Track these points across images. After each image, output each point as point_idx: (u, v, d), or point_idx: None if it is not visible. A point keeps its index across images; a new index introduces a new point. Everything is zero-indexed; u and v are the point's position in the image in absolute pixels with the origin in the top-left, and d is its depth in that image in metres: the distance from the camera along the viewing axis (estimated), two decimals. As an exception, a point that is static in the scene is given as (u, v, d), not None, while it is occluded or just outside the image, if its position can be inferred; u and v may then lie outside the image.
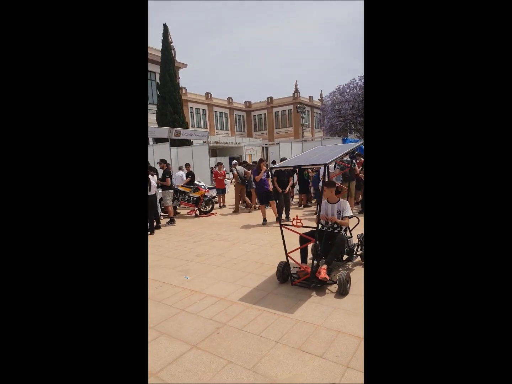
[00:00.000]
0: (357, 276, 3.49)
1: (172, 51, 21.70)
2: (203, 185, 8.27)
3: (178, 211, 8.59)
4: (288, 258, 3.38)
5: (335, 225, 3.68)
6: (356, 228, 4.28)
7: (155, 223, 6.56)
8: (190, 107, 30.73)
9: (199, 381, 1.94)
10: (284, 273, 3.38)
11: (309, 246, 3.56)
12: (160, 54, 15.75)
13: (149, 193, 6.21)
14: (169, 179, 6.91)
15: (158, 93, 15.16)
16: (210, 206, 8.28)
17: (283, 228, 3.30)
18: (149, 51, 19.50)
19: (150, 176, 6.36)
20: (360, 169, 7.00)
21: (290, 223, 3.35)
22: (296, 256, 3.46)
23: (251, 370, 2.02)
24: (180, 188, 8.05)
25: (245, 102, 37.99)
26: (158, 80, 16.45)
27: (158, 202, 7.09)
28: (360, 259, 3.90)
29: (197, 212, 7.98)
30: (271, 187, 6.43)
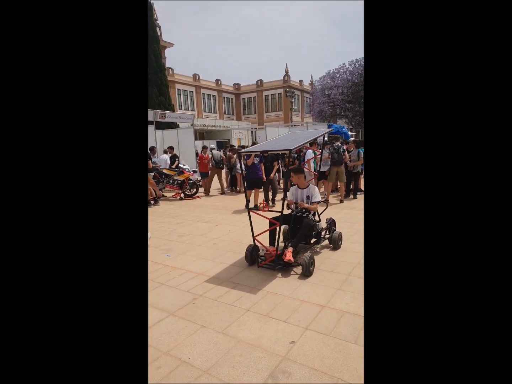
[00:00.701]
0: (324, 256, 3.78)
1: (158, 29, 21.18)
2: (188, 168, 8.38)
3: (164, 194, 8.72)
4: (255, 241, 3.56)
5: (304, 210, 3.83)
6: (325, 212, 4.50)
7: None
8: (178, 89, 30.17)
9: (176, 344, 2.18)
10: (252, 255, 3.53)
11: (282, 230, 3.81)
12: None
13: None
14: (149, 161, 7.02)
15: (144, 74, 14.87)
16: (195, 189, 8.44)
17: (251, 213, 3.49)
18: (134, 29, 18.95)
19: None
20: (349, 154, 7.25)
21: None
22: (266, 239, 3.70)
23: (221, 332, 2.28)
24: (164, 171, 8.16)
25: (234, 85, 37.46)
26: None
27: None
28: (328, 242, 4.10)
29: (182, 195, 8.15)
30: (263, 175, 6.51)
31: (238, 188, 8.90)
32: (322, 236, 4.05)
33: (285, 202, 3.47)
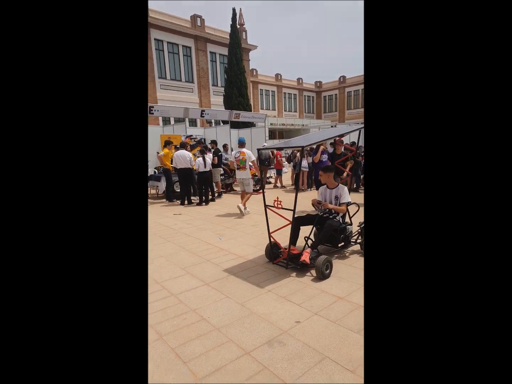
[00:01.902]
0: (350, 262, 3.57)
1: (244, 33, 22.47)
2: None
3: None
4: (271, 238, 3.51)
5: (332, 211, 3.64)
6: (357, 216, 4.16)
7: (210, 196, 7.54)
8: (260, 89, 31.42)
9: (198, 308, 2.65)
10: (273, 252, 3.51)
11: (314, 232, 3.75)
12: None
13: (205, 170, 7.15)
14: (216, 158, 7.76)
15: (226, 76, 16.13)
16: (259, 186, 8.95)
17: (275, 210, 3.39)
18: (220, 34, 20.47)
19: (205, 155, 7.29)
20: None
21: None
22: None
23: (240, 304, 2.66)
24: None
25: (315, 83, 37.17)
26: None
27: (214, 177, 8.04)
28: (360, 247, 3.85)
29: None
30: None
31: (302, 187, 9.10)
32: (353, 240, 3.86)
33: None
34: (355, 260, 3.67)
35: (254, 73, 30.30)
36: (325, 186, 3.79)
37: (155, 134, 9.41)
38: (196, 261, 3.70)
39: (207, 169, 7.18)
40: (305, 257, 3.22)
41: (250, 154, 6.25)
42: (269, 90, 32.32)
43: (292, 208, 3.21)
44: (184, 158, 7.13)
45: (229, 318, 2.44)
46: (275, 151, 9.24)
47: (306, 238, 3.53)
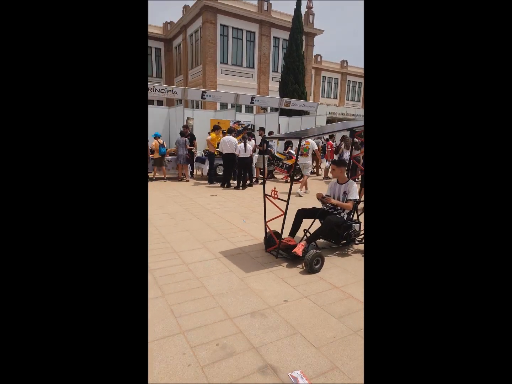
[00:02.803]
0: (358, 257, 3.56)
1: (311, 16, 21.85)
2: (295, 154, 9.00)
3: (274, 176, 9.68)
4: (267, 227, 3.57)
5: (337, 207, 3.58)
6: None
7: (248, 181, 7.88)
8: (323, 76, 30.49)
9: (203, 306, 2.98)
10: (269, 240, 3.57)
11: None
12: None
13: (245, 155, 7.47)
14: (265, 144, 7.97)
15: (284, 62, 16.05)
16: (300, 174, 9.01)
17: (274, 200, 3.42)
18: (286, 18, 20.13)
19: (247, 141, 7.58)
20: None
21: None
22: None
23: (240, 278, 2.93)
24: (276, 155, 9.05)
25: (384, 71, 34.70)
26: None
27: (253, 164, 8.33)
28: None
29: (288, 179, 8.87)
30: None
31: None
32: (359, 239, 3.77)
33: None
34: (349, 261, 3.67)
35: (318, 59, 29.43)
36: (336, 180, 3.76)
37: (206, 118, 9.96)
38: (215, 238, 4.05)
39: (247, 155, 7.48)
40: (298, 249, 3.24)
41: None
42: (332, 78, 31.21)
43: (287, 199, 3.27)
44: (230, 143, 7.52)
45: (225, 289, 2.73)
46: (324, 142, 9.21)
47: (305, 231, 3.54)
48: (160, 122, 9.73)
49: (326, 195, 3.75)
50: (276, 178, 9.65)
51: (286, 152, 9.24)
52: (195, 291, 2.69)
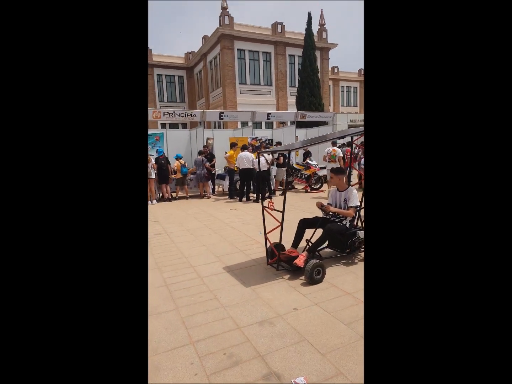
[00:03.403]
0: (352, 270, 3.36)
1: (324, 33, 22.23)
2: (314, 164, 9.00)
3: (295, 186, 9.70)
4: (266, 238, 3.52)
5: (340, 215, 3.52)
6: None
7: (267, 194, 7.97)
8: (341, 86, 30.47)
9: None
10: (273, 253, 3.51)
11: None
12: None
13: (262, 169, 7.60)
14: (281, 158, 8.08)
15: (299, 78, 16.32)
16: (320, 184, 8.97)
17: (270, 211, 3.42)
18: (300, 37, 20.61)
19: (266, 154, 7.73)
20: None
21: None
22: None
23: (252, 289, 2.97)
24: (295, 166, 9.11)
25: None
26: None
27: (272, 176, 8.43)
28: None
29: (308, 189, 8.86)
30: None
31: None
32: (355, 245, 3.59)
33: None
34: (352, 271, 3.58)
35: (335, 71, 29.55)
36: (336, 188, 3.72)
37: (225, 137, 10.27)
38: (231, 251, 4.14)
39: (264, 168, 7.60)
40: (299, 260, 3.18)
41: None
42: (351, 87, 31.09)
43: (282, 210, 3.27)
44: (247, 159, 7.72)
45: (237, 300, 2.79)
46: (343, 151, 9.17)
47: (307, 241, 3.50)
48: (183, 144, 10.17)
49: (328, 203, 3.72)
50: (296, 188, 9.66)
51: (304, 162, 9.28)
52: (207, 303, 2.76)
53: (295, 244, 3.55)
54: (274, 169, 8.66)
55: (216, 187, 9.41)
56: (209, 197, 8.73)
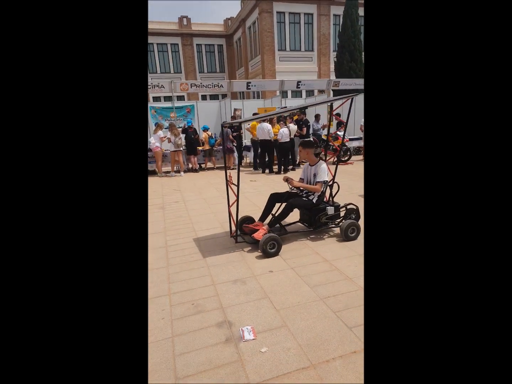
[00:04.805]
0: (313, 246, 3.36)
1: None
2: (342, 135, 8.68)
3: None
4: (230, 212, 3.59)
5: (308, 191, 3.47)
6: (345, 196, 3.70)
7: (291, 166, 8.02)
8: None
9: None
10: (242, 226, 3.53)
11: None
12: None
13: (285, 140, 7.60)
14: (305, 128, 7.96)
15: (338, 41, 15.24)
16: (348, 156, 8.71)
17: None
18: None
19: (290, 124, 7.70)
20: None
21: None
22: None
23: (239, 252, 3.22)
24: (323, 137, 8.90)
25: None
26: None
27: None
28: (341, 233, 3.38)
29: (335, 160, 8.67)
30: None
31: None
32: (335, 223, 3.58)
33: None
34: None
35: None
36: (308, 163, 3.62)
37: (254, 107, 10.28)
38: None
39: (287, 139, 7.59)
40: (258, 234, 3.22)
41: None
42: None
43: (236, 184, 3.30)
44: (262, 130, 7.77)
45: (221, 260, 3.06)
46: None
47: (272, 215, 3.47)
48: (212, 115, 10.43)
49: (300, 178, 3.66)
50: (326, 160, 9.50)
51: (333, 133, 9.02)
52: (195, 262, 3.08)
53: (263, 217, 3.52)
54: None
55: (245, 158, 9.62)
56: (233, 169, 9.00)
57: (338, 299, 2.29)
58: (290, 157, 8.09)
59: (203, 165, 9.15)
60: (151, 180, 8.05)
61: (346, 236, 3.35)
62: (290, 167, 8.08)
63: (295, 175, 7.53)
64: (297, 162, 8.54)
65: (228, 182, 3.53)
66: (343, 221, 3.54)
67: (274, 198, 3.52)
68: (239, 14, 22.12)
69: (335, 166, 4.07)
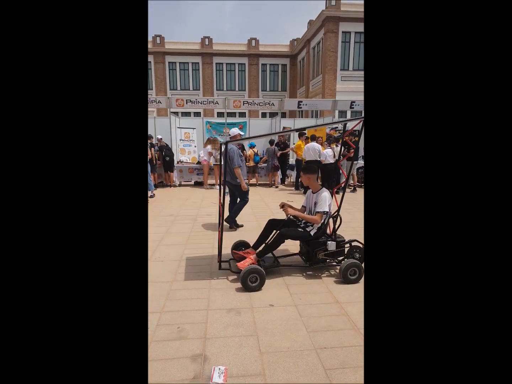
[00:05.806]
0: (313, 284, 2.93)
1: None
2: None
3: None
4: (219, 236, 3.07)
5: (306, 221, 3.10)
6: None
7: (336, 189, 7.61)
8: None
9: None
10: (237, 248, 3.33)
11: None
12: None
13: (328, 161, 7.25)
14: (352, 151, 7.51)
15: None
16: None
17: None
18: None
19: (334, 146, 7.35)
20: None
21: None
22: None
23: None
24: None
25: None
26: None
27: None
28: (340, 274, 2.95)
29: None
30: None
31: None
32: (336, 261, 3.10)
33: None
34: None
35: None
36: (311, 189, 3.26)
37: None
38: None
39: (331, 160, 7.23)
40: (242, 263, 2.93)
41: None
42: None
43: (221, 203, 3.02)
44: (313, 150, 7.48)
45: (224, 284, 2.91)
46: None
47: (265, 244, 3.12)
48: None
49: (302, 205, 3.33)
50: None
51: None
52: (199, 282, 2.97)
53: (256, 245, 3.19)
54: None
55: (288, 177, 9.44)
56: (276, 187, 8.86)
57: (335, 353, 1.97)
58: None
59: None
60: (195, 191, 8.30)
61: (345, 277, 2.91)
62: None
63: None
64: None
65: (219, 202, 3.08)
66: (345, 259, 3.10)
67: (271, 224, 3.21)
68: (305, 34, 22.46)
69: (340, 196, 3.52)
